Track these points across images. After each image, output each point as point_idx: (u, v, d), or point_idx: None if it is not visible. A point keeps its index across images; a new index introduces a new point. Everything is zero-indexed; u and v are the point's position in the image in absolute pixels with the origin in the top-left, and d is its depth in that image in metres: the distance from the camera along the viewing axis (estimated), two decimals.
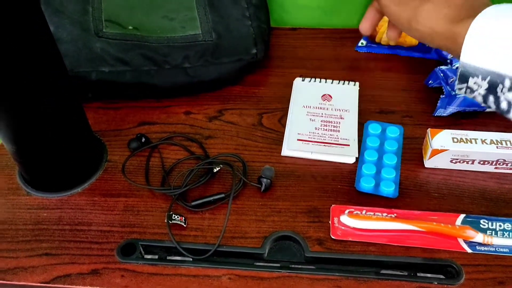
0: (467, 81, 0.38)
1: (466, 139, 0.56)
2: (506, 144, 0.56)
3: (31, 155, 0.54)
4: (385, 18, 0.68)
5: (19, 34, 0.43)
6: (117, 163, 0.60)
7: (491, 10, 0.37)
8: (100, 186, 0.57)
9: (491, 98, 0.37)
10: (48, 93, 0.49)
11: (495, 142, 0.56)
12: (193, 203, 0.54)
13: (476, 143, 0.56)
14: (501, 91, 0.36)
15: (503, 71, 0.35)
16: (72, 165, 0.57)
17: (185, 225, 0.53)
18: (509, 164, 0.56)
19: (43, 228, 0.54)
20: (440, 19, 0.40)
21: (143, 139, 0.61)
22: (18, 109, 0.48)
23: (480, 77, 0.37)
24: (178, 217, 0.53)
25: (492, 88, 0.37)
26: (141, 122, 0.65)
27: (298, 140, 0.61)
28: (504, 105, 0.37)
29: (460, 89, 0.39)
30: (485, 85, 0.37)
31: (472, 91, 0.39)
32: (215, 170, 0.57)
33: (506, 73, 0.35)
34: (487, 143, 0.56)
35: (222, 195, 0.55)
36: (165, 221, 0.53)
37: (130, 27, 0.66)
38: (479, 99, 0.39)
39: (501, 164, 0.56)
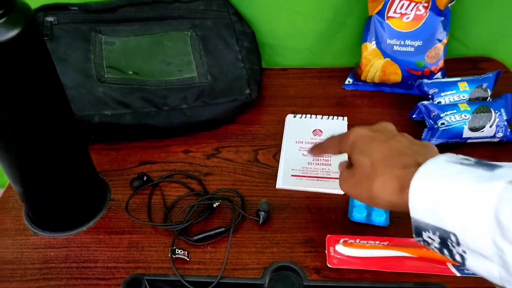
0: (421, 235, 0.39)
1: None
2: None
3: (38, 196, 0.56)
4: (369, 56, 0.73)
5: (32, 83, 0.46)
6: (121, 202, 0.62)
7: (427, 169, 0.38)
8: (105, 224, 0.60)
9: (445, 251, 0.38)
10: (57, 137, 0.52)
11: None
12: (195, 238, 0.57)
13: None
14: (451, 245, 0.36)
15: (446, 227, 0.36)
16: (78, 205, 0.59)
17: (188, 259, 0.55)
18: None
19: (51, 267, 0.55)
20: (391, 192, 0.41)
21: (145, 178, 0.64)
22: (27, 152, 0.51)
23: (431, 231, 0.37)
24: (181, 251, 0.55)
25: (443, 242, 0.37)
26: (142, 162, 0.68)
27: (292, 176, 0.64)
28: (458, 258, 0.37)
29: (418, 241, 0.40)
30: (437, 239, 0.37)
31: (428, 243, 0.39)
32: (214, 205, 0.60)
33: (449, 229, 0.36)
34: None
35: (223, 229, 0.57)
36: (169, 255, 0.55)
37: (130, 72, 0.70)
38: (436, 251, 0.39)
39: None
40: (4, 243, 0.58)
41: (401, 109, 0.73)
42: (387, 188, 0.42)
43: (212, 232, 0.57)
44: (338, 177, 0.63)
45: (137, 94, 0.68)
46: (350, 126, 0.71)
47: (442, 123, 0.65)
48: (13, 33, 0.42)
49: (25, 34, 0.43)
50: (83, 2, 0.76)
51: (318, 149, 0.55)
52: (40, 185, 0.55)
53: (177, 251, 0.55)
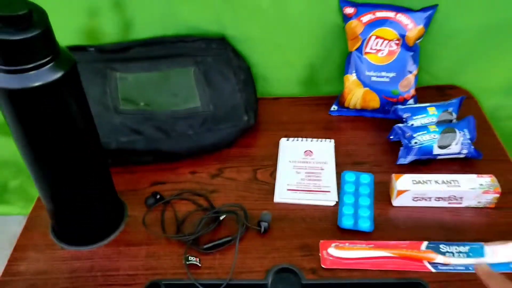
0: None
1: (423, 181, 0.70)
2: (455, 183, 0.69)
3: (67, 214, 0.64)
4: (351, 86, 0.83)
5: (72, 116, 0.55)
6: (137, 218, 0.70)
7: None
8: (124, 238, 0.68)
9: None
10: (88, 162, 0.60)
11: (446, 182, 0.70)
12: (205, 246, 0.65)
13: (431, 183, 0.70)
14: None
15: None
16: (100, 221, 0.67)
17: (200, 265, 0.63)
18: (459, 199, 0.70)
19: (78, 276, 0.63)
20: None
21: (158, 196, 0.72)
22: (62, 174, 0.59)
23: None
24: (193, 258, 0.63)
25: None
26: (154, 182, 0.76)
27: (288, 190, 0.73)
28: None
29: None
30: None
31: None
32: (221, 218, 0.68)
33: None
34: (439, 183, 0.69)
35: (229, 238, 0.66)
36: (183, 262, 0.63)
37: (142, 104, 0.79)
38: None
39: (453, 199, 0.70)
40: (36, 257, 0.65)
41: (380, 131, 0.83)
42: None
43: (220, 241, 0.65)
44: (327, 190, 0.73)
45: (148, 123, 0.77)
46: (337, 147, 0.80)
47: (415, 142, 0.75)
48: (58, 75, 0.51)
49: (68, 76, 0.52)
50: (98, 43, 0.85)
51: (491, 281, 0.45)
52: (69, 204, 0.63)
53: (190, 258, 0.63)
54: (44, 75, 0.50)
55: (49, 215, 0.65)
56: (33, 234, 0.68)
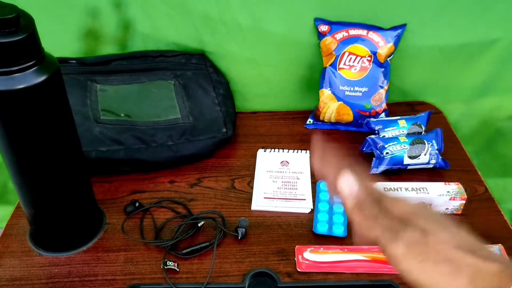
0: None
1: (394, 188, 0.73)
2: (423, 191, 0.73)
3: (46, 219, 0.64)
4: (326, 100, 0.87)
5: (54, 121, 0.56)
6: (115, 225, 0.71)
7: None
8: (102, 244, 0.68)
9: None
10: (69, 169, 0.61)
11: (415, 189, 0.73)
12: (183, 251, 0.66)
13: (401, 191, 0.73)
14: None
15: None
16: (79, 228, 0.68)
17: (178, 270, 0.64)
18: (428, 206, 0.73)
19: (56, 281, 0.63)
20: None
21: (137, 204, 0.73)
22: (43, 179, 0.60)
23: None
24: (172, 263, 0.64)
25: None
26: (132, 191, 0.77)
27: (265, 198, 0.75)
28: None
29: None
30: None
31: None
32: (199, 225, 0.70)
33: None
34: (409, 191, 0.73)
35: (207, 244, 0.67)
36: (161, 267, 0.64)
37: (122, 114, 0.81)
38: None
39: None
40: (12, 263, 0.65)
41: (354, 143, 0.87)
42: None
43: (198, 247, 0.67)
44: (303, 198, 0.75)
45: (129, 133, 0.78)
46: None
47: (387, 153, 0.79)
48: (41, 79, 0.53)
49: (52, 80, 0.54)
50: (79, 56, 0.87)
51: (325, 168, 0.44)
52: (48, 209, 0.63)
53: (168, 263, 0.64)
54: (28, 78, 0.52)
55: (28, 220, 0.66)
56: (10, 241, 0.68)
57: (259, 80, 0.94)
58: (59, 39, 0.83)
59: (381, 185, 0.73)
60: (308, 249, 0.67)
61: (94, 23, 0.85)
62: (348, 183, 0.40)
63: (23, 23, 0.50)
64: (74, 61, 0.86)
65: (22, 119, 0.54)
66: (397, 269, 0.36)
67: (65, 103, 0.58)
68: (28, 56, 0.51)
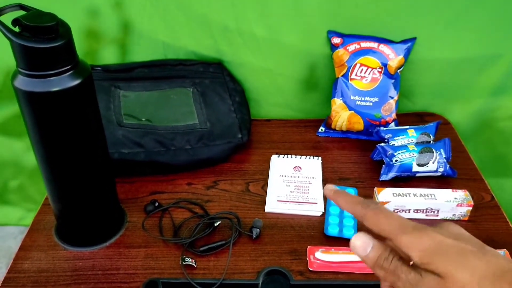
0: None
1: (403, 194, 0.76)
2: (431, 197, 0.75)
3: (72, 215, 0.68)
4: (337, 109, 0.90)
5: (85, 122, 0.60)
6: (136, 223, 0.75)
7: None
8: (124, 241, 0.72)
9: None
10: (96, 165, 0.65)
11: (423, 195, 0.76)
12: (201, 249, 0.69)
13: (410, 196, 0.76)
14: None
15: None
16: (103, 224, 0.71)
17: (195, 266, 0.67)
18: (436, 212, 0.76)
19: (80, 274, 0.66)
20: None
21: (156, 204, 0.77)
22: (72, 177, 0.64)
23: None
24: (190, 259, 0.67)
25: None
26: (152, 192, 0.81)
27: (278, 201, 0.79)
28: None
29: None
30: None
31: None
32: (216, 224, 0.73)
33: None
34: (417, 196, 0.76)
35: (223, 242, 0.70)
36: (180, 263, 0.67)
37: (143, 119, 0.85)
38: None
39: (430, 212, 0.76)
40: (39, 256, 0.69)
41: (364, 151, 0.90)
42: None
43: (215, 245, 0.70)
44: (314, 202, 0.78)
45: (149, 137, 0.82)
46: (324, 164, 0.86)
47: (396, 160, 0.82)
48: (76, 82, 0.57)
49: (85, 84, 0.58)
50: (104, 64, 0.92)
51: (338, 198, 0.42)
52: (75, 205, 0.67)
53: (186, 259, 0.67)
54: (64, 82, 0.56)
55: (55, 215, 0.69)
56: (37, 235, 0.72)
57: (273, 89, 0.98)
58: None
59: (390, 190, 0.76)
60: (320, 250, 0.70)
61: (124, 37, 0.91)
62: (361, 243, 0.39)
63: (61, 30, 0.55)
64: (99, 68, 0.90)
65: (56, 119, 0.58)
66: None
67: (95, 106, 0.62)
68: (65, 61, 0.56)
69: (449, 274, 0.35)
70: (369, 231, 0.39)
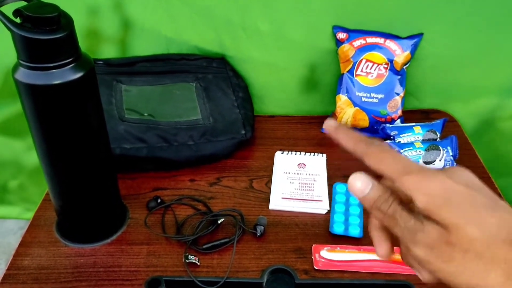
0: None
1: None
2: None
3: (73, 211, 0.67)
4: (342, 106, 0.89)
5: (88, 115, 0.59)
6: (138, 220, 0.73)
7: None
8: (126, 237, 0.71)
9: None
10: (98, 160, 0.64)
11: None
12: (204, 246, 0.68)
13: None
14: None
15: None
16: (105, 220, 0.70)
17: (198, 264, 0.66)
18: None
19: (82, 271, 0.65)
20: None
21: (159, 200, 0.76)
22: (74, 172, 0.62)
23: None
24: (193, 256, 0.66)
25: None
26: (154, 188, 0.79)
27: (282, 198, 0.78)
28: None
29: None
30: None
31: None
32: (219, 222, 0.72)
33: None
34: None
35: (227, 240, 0.69)
36: (183, 261, 0.66)
37: (146, 114, 0.84)
38: None
39: None
40: (39, 253, 0.68)
41: None
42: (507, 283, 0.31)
43: (218, 242, 0.69)
44: (319, 199, 0.77)
45: (152, 132, 0.81)
46: (329, 161, 0.85)
47: None
48: (78, 75, 0.55)
49: (87, 77, 0.57)
50: (106, 58, 0.90)
51: (340, 133, 0.39)
52: (77, 201, 0.66)
53: (190, 257, 0.66)
54: (66, 74, 0.54)
55: (56, 211, 0.68)
56: (37, 231, 0.71)
57: (277, 84, 0.96)
58: None
59: None
60: (325, 248, 0.69)
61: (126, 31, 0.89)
62: (360, 183, 0.37)
63: (63, 22, 0.53)
64: (101, 62, 0.89)
65: (57, 113, 0.56)
66: (423, 270, 0.34)
67: (98, 100, 0.61)
68: (67, 54, 0.54)
69: (456, 227, 0.31)
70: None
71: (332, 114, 0.92)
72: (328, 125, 0.39)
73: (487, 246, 0.31)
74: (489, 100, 0.97)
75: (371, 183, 0.36)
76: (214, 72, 0.92)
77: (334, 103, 0.91)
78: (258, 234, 0.70)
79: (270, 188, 0.80)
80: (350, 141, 0.37)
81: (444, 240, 0.31)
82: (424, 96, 0.97)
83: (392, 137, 0.86)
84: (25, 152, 1.04)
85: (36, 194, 1.09)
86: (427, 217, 0.32)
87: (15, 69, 0.54)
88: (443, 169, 0.35)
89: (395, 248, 0.40)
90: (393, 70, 0.88)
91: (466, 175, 0.34)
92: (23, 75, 0.54)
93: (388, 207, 0.35)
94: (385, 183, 0.37)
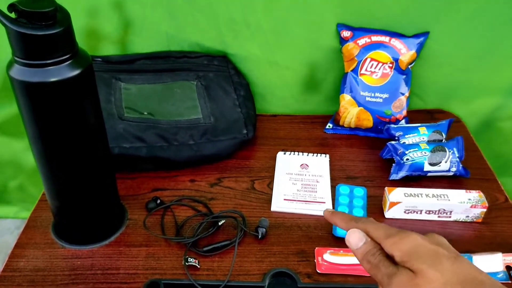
0: None
1: (414, 194, 0.73)
2: (444, 198, 0.73)
3: (70, 212, 0.65)
4: (346, 105, 0.87)
5: (85, 112, 0.57)
6: (137, 221, 0.72)
7: None
8: (124, 239, 0.69)
9: None
10: (96, 160, 0.62)
11: (436, 196, 0.73)
12: (204, 249, 0.67)
13: (422, 197, 0.73)
14: None
15: None
16: (102, 222, 0.68)
17: (198, 266, 0.64)
18: (448, 213, 0.73)
19: (79, 273, 0.64)
20: None
21: (158, 201, 0.74)
22: (68, 171, 0.61)
23: None
24: (193, 259, 0.65)
25: None
26: (154, 189, 0.78)
27: (284, 199, 0.76)
28: None
29: None
30: None
31: None
32: (220, 223, 0.70)
33: None
34: (430, 197, 0.73)
35: (228, 242, 0.67)
36: (183, 263, 0.64)
37: (145, 113, 0.82)
38: None
39: (442, 213, 0.73)
40: (35, 254, 0.66)
41: (373, 149, 0.87)
42: None
43: (219, 245, 0.67)
44: (322, 201, 0.75)
45: (151, 131, 0.79)
46: (332, 162, 0.84)
47: (407, 159, 0.79)
48: (75, 73, 0.54)
49: (85, 75, 0.55)
50: (105, 55, 0.89)
51: (334, 217, 0.48)
52: (74, 201, 0.64)
53: (189, 259, 0.64)
54: (63, 71, 0.53)
55: (52, 212, 0.67)
56: (34, 233, 0.69)
57: (280, 83, 0.95)
58: None
59: (401, 190, 0.73)
60: (328, 251, 0.67)
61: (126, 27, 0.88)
62: (355, 238, 0.44)
63: (59, 17, 0.52)
64: (99, 59, 0.87)
65: (54, 111, 0.55)
66: None
67: (96, 98, 0.59)
68: (63, 50, 0.53)
69: (421, 271, 0.39)
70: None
71: (336, 114, 0.91)
72: (326, 212, 0.49)
73: (444, 286, 0.38)
74: (494, 100, 0.95)
75: (364, 239, 0.43)
76: (215, 70, 0.91)
77: (337, 102, 0.90)
78: (259, 237, 0.69)
79: (272, 189, 0.78)
80: (343, 222, 0.46)
81: (412, 282, 0.39)
82: (429, 96, 0.96)
83: (396, 138, 0.84)
84: (24, 152, 1.02)
85: (36, 194, 1.08)
86: (403, 266, 0.40)
87: (10, 66, 0.53)
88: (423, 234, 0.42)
89: None
90: (398, 69, 0.86)
91: (439, 238, 0.42)
92: (18, 72, 0.52)
93: (375, 259, 0.42)
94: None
